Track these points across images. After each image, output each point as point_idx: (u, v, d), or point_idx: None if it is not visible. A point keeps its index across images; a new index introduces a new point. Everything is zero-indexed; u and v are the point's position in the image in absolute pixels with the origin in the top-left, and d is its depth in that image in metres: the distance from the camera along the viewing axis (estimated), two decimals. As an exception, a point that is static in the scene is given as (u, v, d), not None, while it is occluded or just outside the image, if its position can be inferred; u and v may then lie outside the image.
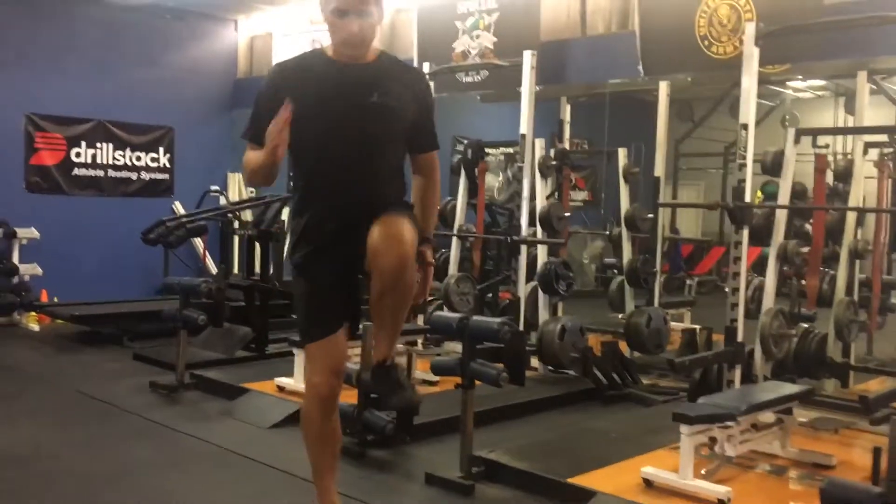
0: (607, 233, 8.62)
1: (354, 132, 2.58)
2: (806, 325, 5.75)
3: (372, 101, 2.59)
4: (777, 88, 13.20)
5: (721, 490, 3.84)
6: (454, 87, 7.45)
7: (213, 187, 9.71)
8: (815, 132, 5.40)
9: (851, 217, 5.89)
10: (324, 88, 2.59)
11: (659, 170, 7.36)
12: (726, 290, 5.43)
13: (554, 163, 6.85)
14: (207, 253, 9.41)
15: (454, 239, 7.19)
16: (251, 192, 10.31)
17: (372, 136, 2.61)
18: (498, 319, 4.25)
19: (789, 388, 4.65)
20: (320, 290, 2.64)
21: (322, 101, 2.58)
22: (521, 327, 6.52)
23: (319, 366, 2.55)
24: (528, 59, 6.43)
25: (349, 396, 4.97)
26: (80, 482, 4.26)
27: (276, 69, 2.74)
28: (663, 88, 7.23)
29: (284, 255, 2.77)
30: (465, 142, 7.30)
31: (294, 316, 3.00)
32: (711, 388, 5.62)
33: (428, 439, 4.91)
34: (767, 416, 4.45)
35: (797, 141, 5.34)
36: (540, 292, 6.55)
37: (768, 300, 5.37)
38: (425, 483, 4.28)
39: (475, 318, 4.25)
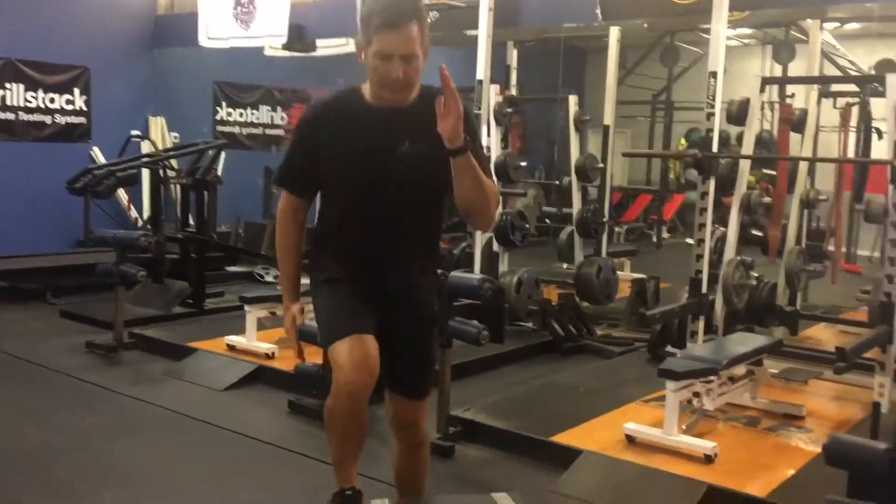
0: (557, 182, 8.50)
1: (383, 184, 2.41)
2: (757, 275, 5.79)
3: (402, 151, 2.40)
4: (706, 36, 13.28)
5: (707, 445, 3.82)
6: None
7: (134, 132, 9.12)
8: (781, 81, 5.36)
9: (803, 167, 5.93)
10: (355, 135, 2.42)
11: (608, 118, 7.26)
12: (688, 241, 5.40)
13: (509, 110, 6.65)
14: (132, 204, 8.88)
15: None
16: (175, 137, 9.77)
17: (401, 188, 2.43)
18: (477, 276, 4.08)
19: (760, 340, 4.67)
20: (343, 302, 2.48)
21: (352, 149, 2.42)
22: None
23: (348, 362, 2.30)
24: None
25: (313, 356, 4.75)
26: (30, 456, 3.92)
27: (311, 110, 2.57)
28: (614, 34, 7.07)
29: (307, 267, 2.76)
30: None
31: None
32: (671, 339, 5.65)
33: (395, 398, 4.74)
34: (740, 368, 4.45)
35: (762, 90, 5.29)
36: (495, 243, 6.41)
37: (730, 251, 5.36)
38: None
39: (454, 273, 4.07)
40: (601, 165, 7.24)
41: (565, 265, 7.97)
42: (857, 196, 5.55)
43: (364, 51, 2.33)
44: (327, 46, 8.62)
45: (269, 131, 10.96)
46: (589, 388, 4.99)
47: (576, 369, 5.51)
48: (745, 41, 13.81)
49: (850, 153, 5.66)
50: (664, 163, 14.25)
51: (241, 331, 5.62)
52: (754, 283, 5.49)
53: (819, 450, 4.02)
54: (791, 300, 6.26)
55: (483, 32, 6.07)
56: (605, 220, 7.26)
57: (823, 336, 6.66)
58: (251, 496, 3.59)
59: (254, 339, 5.41)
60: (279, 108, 11.00)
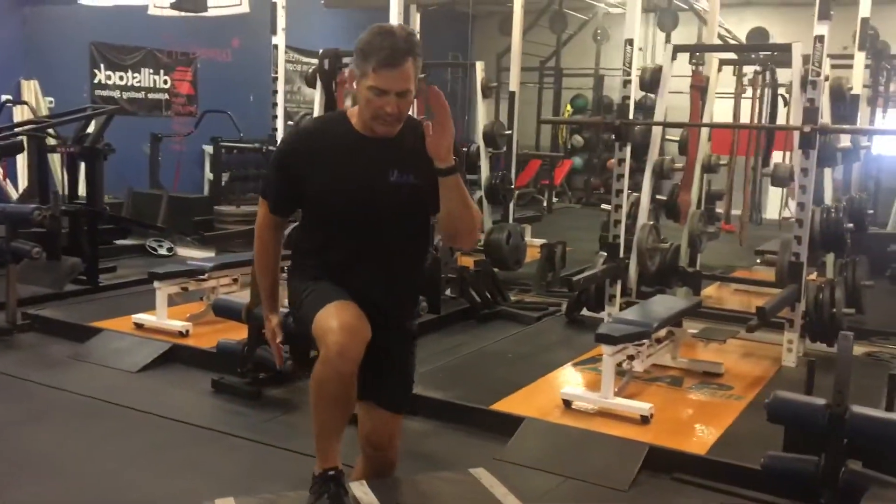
0: (465, 149, 8.44)
1: (371, 213, 2.38)
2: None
3: (391, 182, 2.37)
4: (591, 2, 13.53)
5: (644, 406, 3.92)
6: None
7: (6, 97, 8.44)
8: (693, 49, 5.49)
9: (705, 133, 6.13)
10: (342, 163, 2.38)
11: (514, 84, 7.27)
12: (603, 206, 5.49)
13: (421, 75, 6.52)
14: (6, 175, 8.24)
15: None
16: (50, 101, 9.12)
17: (390, 217, 2.40)
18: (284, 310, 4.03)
19: (680, 302, 4.83)
20: (332, 284, 2.42)
21: (338, 176, 2.37)
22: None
23: (337, 323, 2.20)
24: (398, -43, 6.00)
25: (238, 332, 4.58)
26: (-69, 453, 3.60)
27: (296, 134, 2.58)
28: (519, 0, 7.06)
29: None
30: (321, 51, 6.76)
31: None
32: (588, 303, 5.76)
33: (322, 372, 4.62)
34: (662, 330, 4.58)
35: (673, 58, 5.41)
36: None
37: (643, 216, 5.50)
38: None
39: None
40: (509, 132, 7.25)
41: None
42: (764, 161, 5.79)
43: (358, 81, 2.32)
44: (219, 6, 8.20)
45: (151, 95, 10.39)
46: (517, 354, 5.03)
47: (497, 336, 5.53)
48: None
49: (749, 119, 5.87)
50: (554, 128, 14.52)
51: (144, 308, 5.35)
52: (666, 246, 5.66)
53: (743, 405, 4.26)
54: (692, 261, 6.51)
55: (394, -5, 5.91)
56: (511, 186, 7.29)
57: (720, 295, 6.98)
58: (181, 481, 3.41)
59: (165, 317, 5.15)
60: (162, 71, 10.45)
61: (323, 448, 2.35)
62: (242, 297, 5.13)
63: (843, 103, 5.65)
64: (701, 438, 3.77)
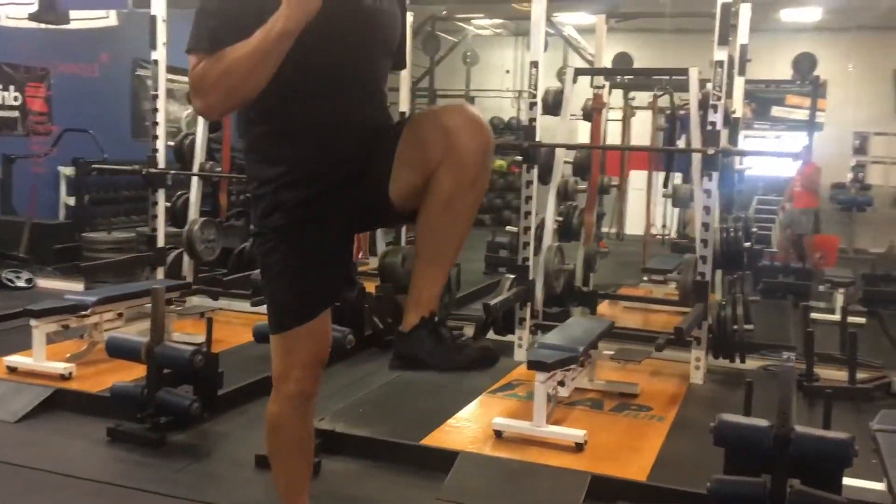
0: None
1: (353, 41, 1.93)
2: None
3: (369, 4, 1.96)
4: (461, 24, 13.66)
5: (578, 433, 3.86)
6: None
7: None
8: (594, 72, 5.55)
9: (597, 155, 6.23)
10: None
11: (404, 105, 7.16)
12: (508, 228, 5.44)
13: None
14: None
15: (194, 179, 6.32)
16: None
17: (372, 47, 2.00)
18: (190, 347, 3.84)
19: (596, 323, 4.81)
20: (314, 258, 2.00)
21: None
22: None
23: (303, 356, 1.95)
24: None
25: (128, 372, 4.18)
26: None
27: None
28: (409, 18, 6.97)
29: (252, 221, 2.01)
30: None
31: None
32: (496, 327, 5.67)
33: (228, 412, 4.29)
34: (584, 353, 4.55)
35: (574, 80, 5.45)
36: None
37: (548, 237, 5.49)
38: (256, 467, 3.72)
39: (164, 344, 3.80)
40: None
41: (360, 254, 7.79)
42: (665, 182, 5.92)
43: None
44: (84, 19, 7.63)
45: (1, 113, 9.55)
46: (432, 383, 4.86)
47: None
48: (497, 31, 14.37)
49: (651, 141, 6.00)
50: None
51: (13, 349, 4.82)
52: (570, 267, 5.68)
53: (667, 426, 4.28)
54: (585, 281, 6.58)
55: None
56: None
57: (612, 313, 7.09)
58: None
59: (43, 359, 4.64)
60: (12, 87, 9.61)
61: (291, 499, 2.11)
62: (133, 333, 4.73)
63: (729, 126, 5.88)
64: (639, 463, 3.74)
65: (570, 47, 12.30)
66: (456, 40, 14.18)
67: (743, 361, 5.15)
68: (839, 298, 7.53)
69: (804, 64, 11.96)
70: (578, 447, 3.81)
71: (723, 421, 3.19)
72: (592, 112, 5.55)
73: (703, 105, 5.02)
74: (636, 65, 11.04)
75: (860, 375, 4.95)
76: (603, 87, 5.71)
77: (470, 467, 3.59)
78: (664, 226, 8.81)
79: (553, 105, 5.45)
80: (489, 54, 14.42)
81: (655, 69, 5.84)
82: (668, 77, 5.70)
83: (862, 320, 6.82)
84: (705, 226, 4.88)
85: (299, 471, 2.09)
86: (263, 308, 2.35)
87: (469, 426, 4.11)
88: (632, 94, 7.09)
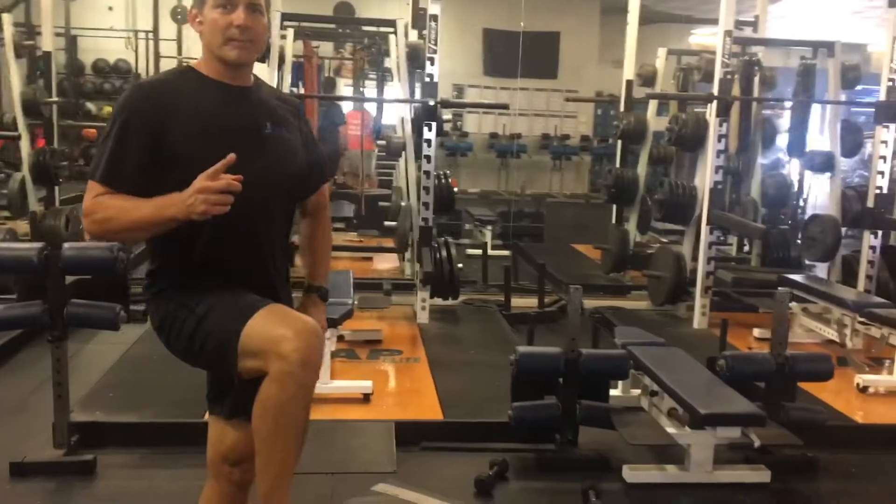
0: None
1: (251, 171, 1.87)
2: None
3: (267, 133, 2.01)
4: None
5: (366, 384, 3.88)
6: None
7: None
8: (302, 18, 5.35)
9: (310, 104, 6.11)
10: (208, 116, 1.95)
11: (48, 42, 6.26)
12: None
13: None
14: None
15: None
16: None
17: (273, 175, 2.01)
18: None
19: (344, 274, 4.81)
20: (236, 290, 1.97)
21: (208, 131, 1.93)
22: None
23: (292, 328, 1.79)
24: None
25: None
26: None
27: (138, 92, 1.99)
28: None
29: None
30: None
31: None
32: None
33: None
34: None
35: (282, 27, 5.24)
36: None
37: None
38: (12, 476, 3.12)
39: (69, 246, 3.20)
40: (55, 99, 6.23)
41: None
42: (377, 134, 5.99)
43: (199, 11, 1.97)
44: None
45: None
46: (170, 357, 4.43)
47: (127, 338, 4.74)
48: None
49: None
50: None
51: None
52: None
53: (425, 366, 4.48)
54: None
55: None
56: (65, 162, 6.30)
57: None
58: None
59: None
60: None
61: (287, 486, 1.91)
62: None
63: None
64: (425, 404, 3.88)
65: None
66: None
67: (456, 299, 5.54)
68: (487, 234, 8.41)
69: (342, 11, 11.71)
70: (366, 398, 3.83)
71: (523, 353, 3.47)
72: (305, 61, 5.41)
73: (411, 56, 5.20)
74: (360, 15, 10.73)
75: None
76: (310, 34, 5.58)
77: (274, 436, 3.42)
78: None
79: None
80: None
81: (366, 19, 5.80)
82: (375, 28, 5.75)
83: (505, 252, 7.64)
84: (427, 174, 5.10)
85: (295, 460, 1.93)
86: None
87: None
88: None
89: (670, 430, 3.29)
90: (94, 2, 13.25)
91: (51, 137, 6.37)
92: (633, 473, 3.27)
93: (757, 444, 3.15)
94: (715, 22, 5.17)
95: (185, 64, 2.17)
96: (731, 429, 3.09)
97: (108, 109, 13.73)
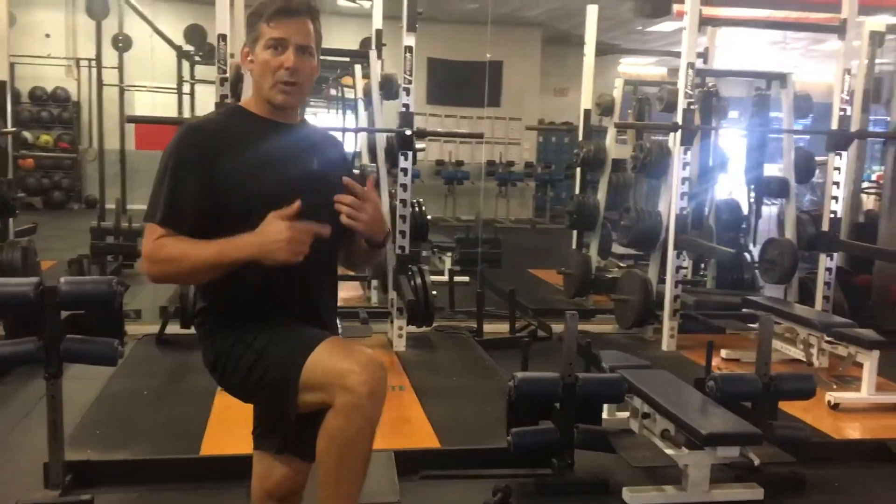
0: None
1: (302, 207, 1.89)
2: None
3: (315, 170, 2.06)
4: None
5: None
6: None
7: None
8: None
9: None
10: (259, 153, 1.98)
11: (3, 72, 6.12)
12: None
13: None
14: None
15: None
16: None
17: (322, 211, 1.97)
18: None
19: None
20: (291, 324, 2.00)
21: (258, 168, 1.96)
22: None
23: (357, 360, 1.85)
24: None
25: None
26: None
27: (188, 132, 1.99)
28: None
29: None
30: None
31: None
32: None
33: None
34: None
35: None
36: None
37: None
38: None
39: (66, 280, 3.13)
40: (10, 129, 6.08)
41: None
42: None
43: (251, 50, 2.00)
44: None
45: None
46: (152, 390, 4.35)
47: (92, 373, 4.63)
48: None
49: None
50: None
51: None
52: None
53: (411, 394, 4.49)
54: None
55: None
56: (19, 195, 6.13)
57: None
58: None
59: None
60: None
61: None
62: None
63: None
64: (420, 433, 3.88)
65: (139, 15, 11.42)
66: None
67: (430, 325, 5.56)
68: (447, 261, 8.46)
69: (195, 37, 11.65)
70: (361, 427, 3.81)
71: (521, 378, 3.51)
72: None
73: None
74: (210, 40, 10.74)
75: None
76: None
77: (273, 468, 3.38)
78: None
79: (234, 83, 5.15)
80: (30, 15, 12.69)
81: (340, 50, 5.80)
82: (348, 59, 5.76)
83: (466, 278, 7.72)
84: (403, 202, 5.13)
85: (359, 492, 1.92)
86: None
87: (234, 425, 3.80)
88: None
89: (669, 451, 3.37)
90: (32, 28, 12.95)
91: (5, 168, 6.19)
92: (633, 495, 3.33)
93: (756, 462, 3.25)
94: (642, 53, 5.37)
95: (230, 102, 2.17)
96: (731, 448, 3.19)
97: (45, 138, 13.41)
